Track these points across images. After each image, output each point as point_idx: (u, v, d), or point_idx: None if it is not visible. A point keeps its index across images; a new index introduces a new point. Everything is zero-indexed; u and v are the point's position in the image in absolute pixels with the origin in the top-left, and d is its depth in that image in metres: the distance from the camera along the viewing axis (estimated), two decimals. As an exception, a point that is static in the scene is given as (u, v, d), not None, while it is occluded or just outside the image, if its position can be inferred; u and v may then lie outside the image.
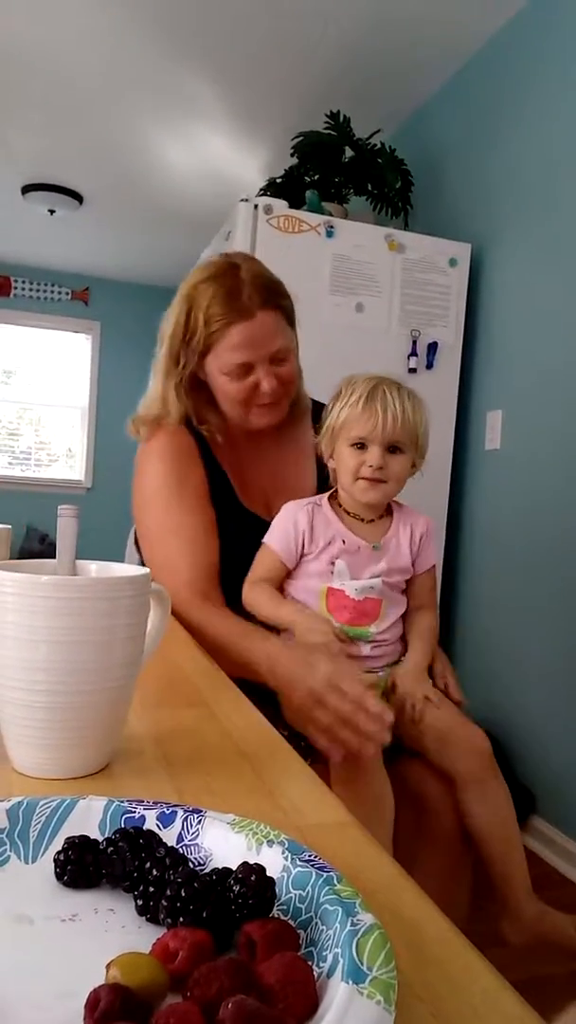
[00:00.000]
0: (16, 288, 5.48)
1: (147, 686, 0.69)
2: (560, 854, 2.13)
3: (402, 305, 2.55)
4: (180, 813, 0.44)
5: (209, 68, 2.90)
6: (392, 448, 1.07)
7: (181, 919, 0.35)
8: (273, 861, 0.39)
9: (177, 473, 1.21)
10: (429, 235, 2.63)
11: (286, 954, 0.32)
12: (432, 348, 2.58)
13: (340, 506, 1.13)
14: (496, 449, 2.52)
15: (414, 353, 2.56)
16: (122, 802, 0.45)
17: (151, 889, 0.38)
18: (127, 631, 0.55)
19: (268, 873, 0.37)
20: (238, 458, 1.28)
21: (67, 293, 5.60)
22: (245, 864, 0.37)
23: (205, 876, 0.37)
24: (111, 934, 0.37)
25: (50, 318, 5.59)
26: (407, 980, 0.34)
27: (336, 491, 1.15)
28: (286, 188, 2.85)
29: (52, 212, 4.17)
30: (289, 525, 1.11)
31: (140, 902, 0.38)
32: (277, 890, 0.37)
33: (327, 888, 0.36)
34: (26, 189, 4.03)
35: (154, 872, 0.39)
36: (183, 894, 0.36)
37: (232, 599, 1.13)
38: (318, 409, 1.24)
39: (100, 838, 0.42)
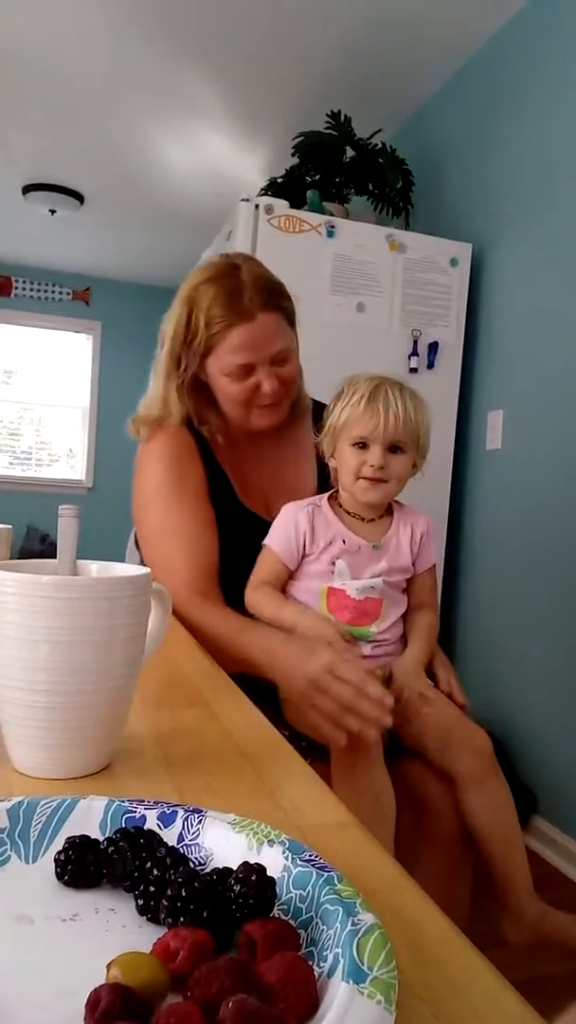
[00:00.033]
0: (17, 288, 5.48)
1: (148, 686, 0.69)
2: (561, 854, 2.13)
3: (403, 305, 2.55)
4: (181, 813, 0.44)
5: (209, 68, 2.90)
6: (393, 448, 1.07)
7: (182, 919, 0.35)
8: (274, 861, 0.39)
9: (176, 473, 1.21)
10: (430, 235, 2.63)
11: (287, 954, 0.32)
12: (433, 348, 2.58)
13: (340, 506, 1.13)
14: (497, 449, 2.52)
15: (415, 353, 2.56)
16: (123, 802, 0.45)
17: (152, 889, 0.38)
18: (128, 631, 0.55)
19: (269, 873, 0.37)
20: (238, 458, 1.28)
21: (68, 293, 5.60)
22: (246, 864, 0.37)
23: (206, 876, 0.37)
24: (112, 934, 0.37)
25: (51, 318, 5.60)
26: (408, 980, 0.34)
27: (335, 491, 1.15)
28: (287, 188, 2.85)
29: (53, 212, 4.17)
30: (290, 526, 1.11)
31: (141, 902, 0.38)
32: (278, 890, 0.37)
33: (328, 888, 0.36)
34: (27, 189, 4.03)
35: (155, 872, 0.39)
36: (184, 894, 0.36)
37: (232, 599, 1.13)
38: (319, 409, 1.24)
39: (101, 838, 0.42)
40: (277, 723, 0.77)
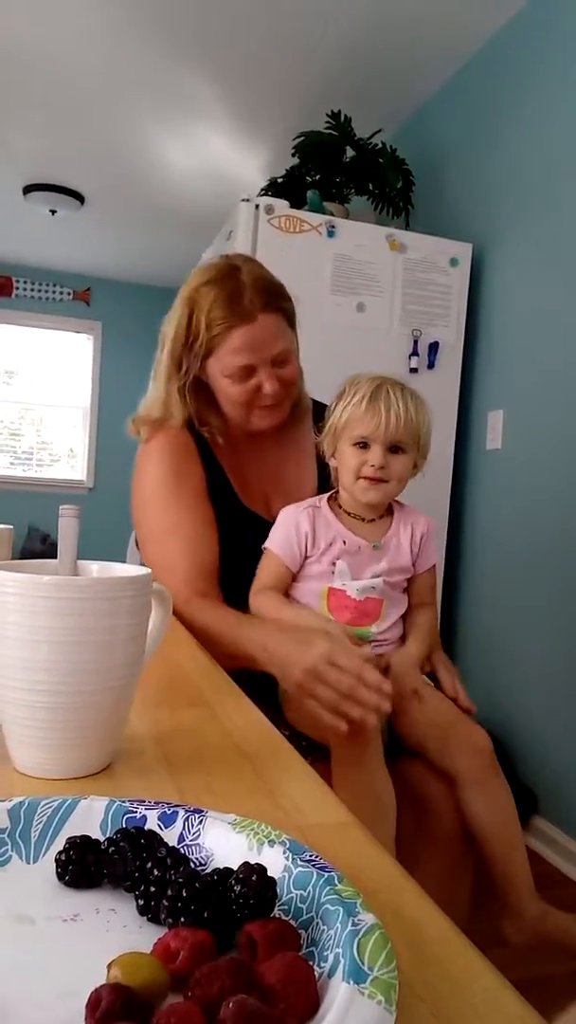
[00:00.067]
0: (18, 288, 5.48)
1: (148, 686, 0.69)
2: (562, 854, 2.13)
3: (403, 305, 2.55)
4: (181, 813, 0.44)
5: (209, 68, 2.90)
6: (394, 448, 1.07)
7: (182, 919, 0.35)
8: (274, 861, 0.39)
9: (176, 473, 1.21)
10: (430, 235, 2.63)
11: (287, 954, 0.32)
12: (433, 348, 2.58)
13: (340, 507, 1.14)
14: (497, 449, 2.52)
15: (415, 353, 2.56)
16: (123, 802, 0.45)
17: (152, 889, 0.38)
18: (128, 631, 0.55)
19: (269, 873, 0.37)
20: (239, 459, 1.28)
21: (68, 293, 5.61)
22: (246, 864, 0.38)
23: (206, 876, 0.37)
24: (112, 934, 0.37)
25: (51, 318, 5.60)
26: (408, 980, 0.34)
27: (335, 492, 1.15)
28: (287, 188, 2.85)
29: (53, 212, 4.17)
30: (291, 529, 1.11)
31: (141, 902, 0.38)
32: (278, 890, 0.37)
33: (328, 888, 0.36)
34: (27, 189, 4.03)
35: (155, 872, 0.39)
36: (184, 894, 0.36)
37: (232, 599, 1.13)
38: (319, 409, 1.24)
39: (101, 838, 0.42)
40: (277, 723, 0.77)
